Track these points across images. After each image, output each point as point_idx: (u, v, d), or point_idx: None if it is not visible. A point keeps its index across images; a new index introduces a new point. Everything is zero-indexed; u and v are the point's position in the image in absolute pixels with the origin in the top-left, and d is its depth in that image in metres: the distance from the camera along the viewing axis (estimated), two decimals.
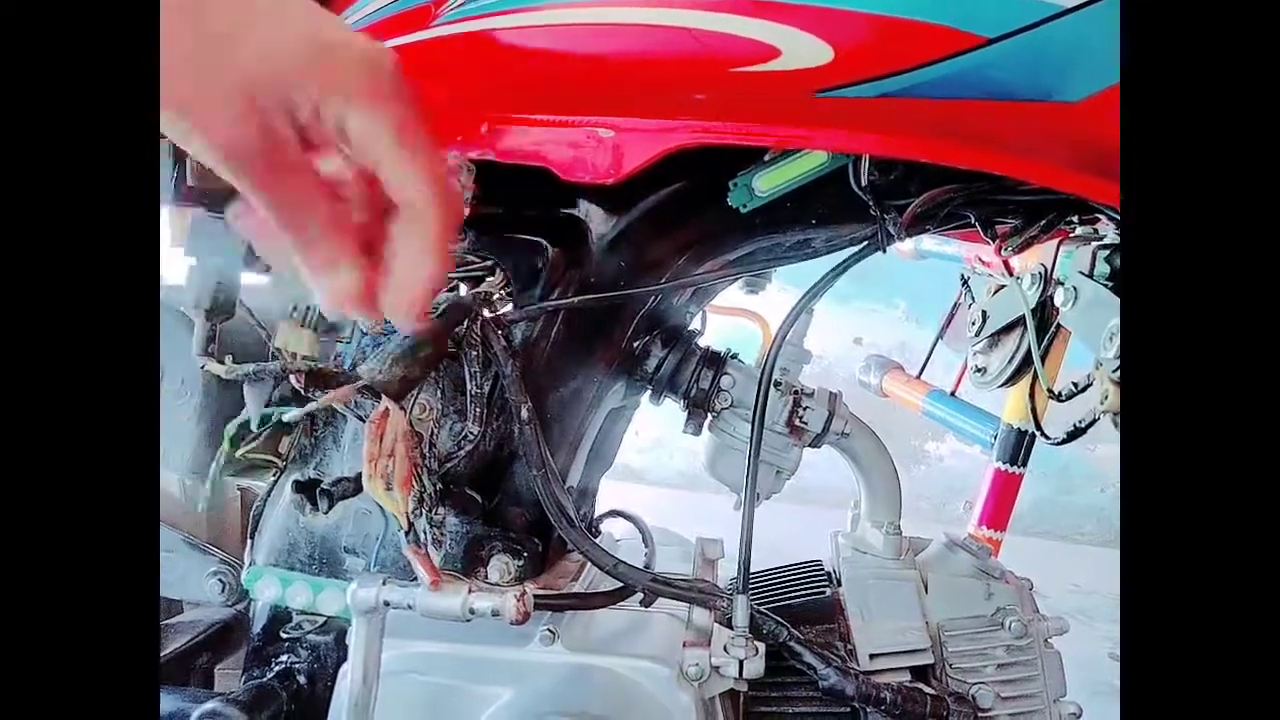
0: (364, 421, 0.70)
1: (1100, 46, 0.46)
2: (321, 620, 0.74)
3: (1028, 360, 1.15)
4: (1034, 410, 1.31)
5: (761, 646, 0.63)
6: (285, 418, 0.57)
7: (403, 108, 0.35)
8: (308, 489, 0.71)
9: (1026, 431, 1.39)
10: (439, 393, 0.70)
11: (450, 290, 0.79)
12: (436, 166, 0.37)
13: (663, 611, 0.70)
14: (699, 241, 0.70)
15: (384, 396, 0.50)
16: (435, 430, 0.71)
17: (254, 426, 0.60)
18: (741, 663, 0.62)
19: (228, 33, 0.33)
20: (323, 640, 0.74)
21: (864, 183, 0.62)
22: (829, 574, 0.82)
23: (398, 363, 0.54)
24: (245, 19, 0.34)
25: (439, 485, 0.67)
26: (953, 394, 1.48)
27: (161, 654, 0.81)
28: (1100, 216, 0.76)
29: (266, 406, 0.69)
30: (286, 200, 0.35)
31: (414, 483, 0.51)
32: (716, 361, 0.76)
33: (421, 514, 0.52)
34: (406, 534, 0.51)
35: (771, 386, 0.71)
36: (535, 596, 0.57)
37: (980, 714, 0.71)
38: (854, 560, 0.79)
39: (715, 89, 0.52)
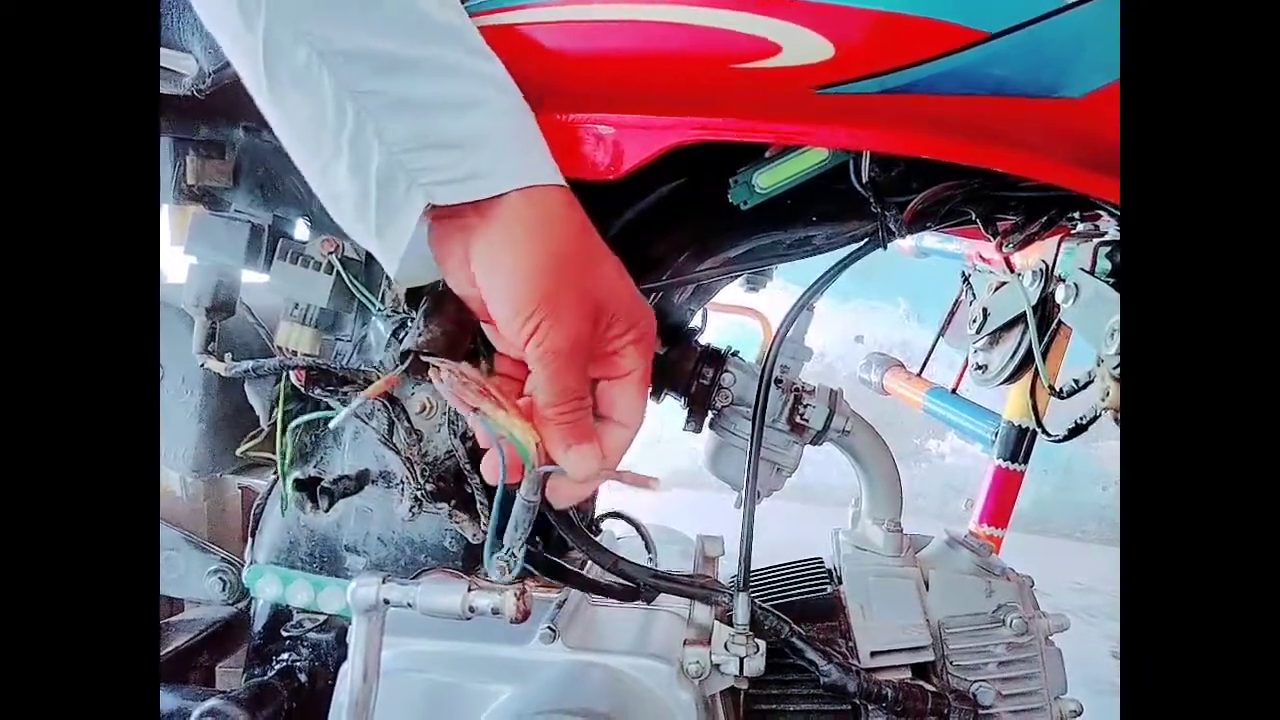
0: (365, 423, 0.70)
1: (1101, 42, 0.46)
2: (322, 618, 0.74)
3: (1029, 357, 1.15)
4: (1035, 407, 1.31)
5: (762, 644, 0.63)
6: (331, 424, 0.59)
7: (651, 349, 0.49)
8: (308, 487, 0.71)
9: (1027, 429, 1.39)
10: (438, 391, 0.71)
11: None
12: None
13: (663, 609, 0.70)
14: (699, 239, 0.70)
15: (434, 358, 0.51)
16: (435, 427, 0.71)
17: (334, 425, 0.63)
18: (742, 660, 0.62)
19: (591, 256, 0.45)
20: (323, 638, 0.74)
21: (865, 179, 0.62)
22: (830, 571, 0.82)
23: (430, 319, 0.54)
24: (595, 253, 0.46)
25: (439, 484, 0.67)
26: (954, 391, 1.48)
27: (162, 652, 0.81)
28: (1101, 213, 0.76)
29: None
30: (574, 386, 0.45)
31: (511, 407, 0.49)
32: (717, 359, 0.75)
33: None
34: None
35: (772, 384, 0.71)
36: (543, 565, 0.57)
37: (981, 711, 0.71)
38: (855, 558, 0.79)
39: (715, 85, 0.52)
